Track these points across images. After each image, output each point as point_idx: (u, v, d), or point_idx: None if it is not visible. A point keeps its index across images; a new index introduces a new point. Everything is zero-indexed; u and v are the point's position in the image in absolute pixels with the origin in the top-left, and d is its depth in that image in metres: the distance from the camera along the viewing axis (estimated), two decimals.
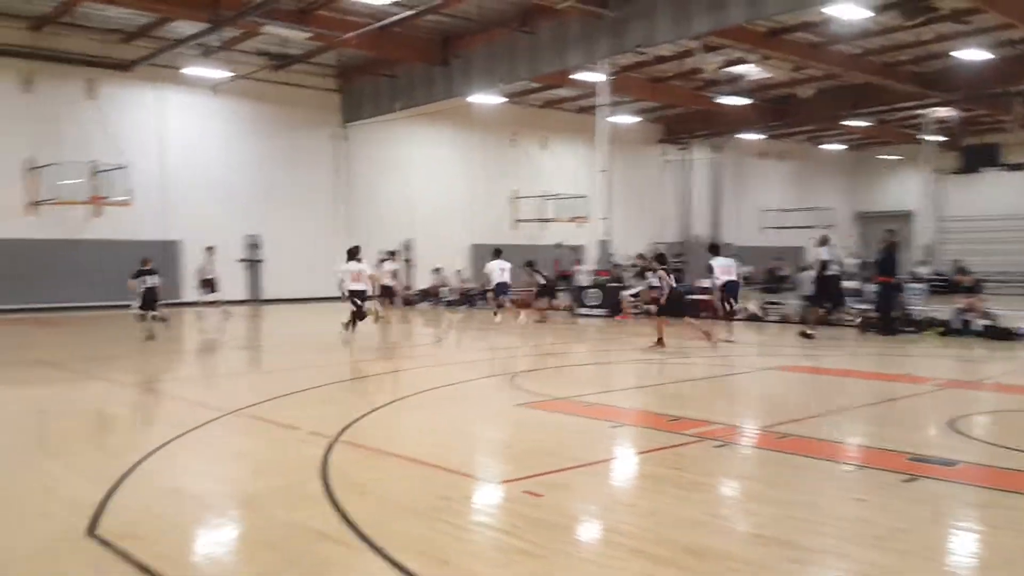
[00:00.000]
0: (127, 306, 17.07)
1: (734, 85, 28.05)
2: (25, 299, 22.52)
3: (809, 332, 15.80)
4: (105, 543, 4.62)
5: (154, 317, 15.78)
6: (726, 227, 37.78)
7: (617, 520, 5.09)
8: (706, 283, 17.52)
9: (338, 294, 15.43)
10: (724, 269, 15.84)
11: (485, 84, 24.24)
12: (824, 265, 16.44)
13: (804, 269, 22.59)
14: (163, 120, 25.75)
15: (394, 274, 21.60)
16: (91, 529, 4.85)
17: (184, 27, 22.30)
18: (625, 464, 6.74)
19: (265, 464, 6.50)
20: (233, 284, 26.01)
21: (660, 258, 15.02)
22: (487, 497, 5.73)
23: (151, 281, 15.82)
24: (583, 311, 21.61)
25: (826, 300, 16.63)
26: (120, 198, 22.97)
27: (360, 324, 15.28)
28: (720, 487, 5.97)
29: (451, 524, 4.96)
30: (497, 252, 20.13)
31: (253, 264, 27.23)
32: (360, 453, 6.74)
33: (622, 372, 12.61)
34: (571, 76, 24.72)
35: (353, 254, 15.59)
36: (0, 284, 22.31)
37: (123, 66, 24.36)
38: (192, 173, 26.02)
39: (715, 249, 16.46)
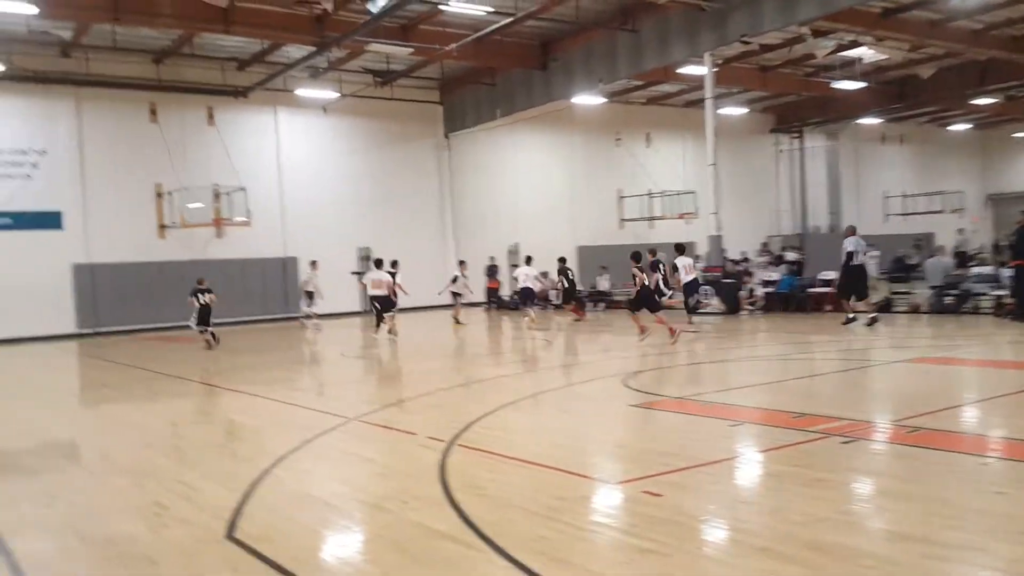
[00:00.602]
0: (257, 321, 18.07)
1: (848, 69, 26.93)
2: (154, 319, 23.83)
3: (851, 317, 16.36)
4: (242, 545, 4.85)
5: (208, 332, 17.48)
6: (847, 215, 36.38)
7: (740, 518, 4.98)
8: (679, 278, 18.27)
9: (445, 302, 15.85)
10: (687, 268, 17.58)
11: (585, 85, 24.19)
12: (850, 256, 16.28)
13: (933, 255, 21.53)
14: (277, 141, 26.86)
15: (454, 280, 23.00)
16: (229, 532, 5.10)
17: (294, 51, 23.21)
18: (747, 462, 6.56)
19: (386, 468, 6.67)
20: (348, 296, 26.92)
21: (635, 256, 15.42)
22: (605, 497, 5.70)
23: (204, 299, 17.55)
24: (697, 309, 21.19)
25: (852, 291, 16.59)
26: (240, 219, 24.07)
27: (458, 325, 15.51)
28: (848, 483, 5.73)
29: (570, 524, 4.95)
30: (528, 259, 21.73)
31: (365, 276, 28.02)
32: (476, 456, 6.82)
33: (740, 370, 12.30)
34: (675, 71, 24.35)
35: (378, 264, 18.53)
36: (133, 305, 23.72)
37: (239, 92, 25.55)
38: (306, 191, 27.00)
39: (680, 249, 18.49)
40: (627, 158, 33.55)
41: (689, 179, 32.92)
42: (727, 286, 21.04)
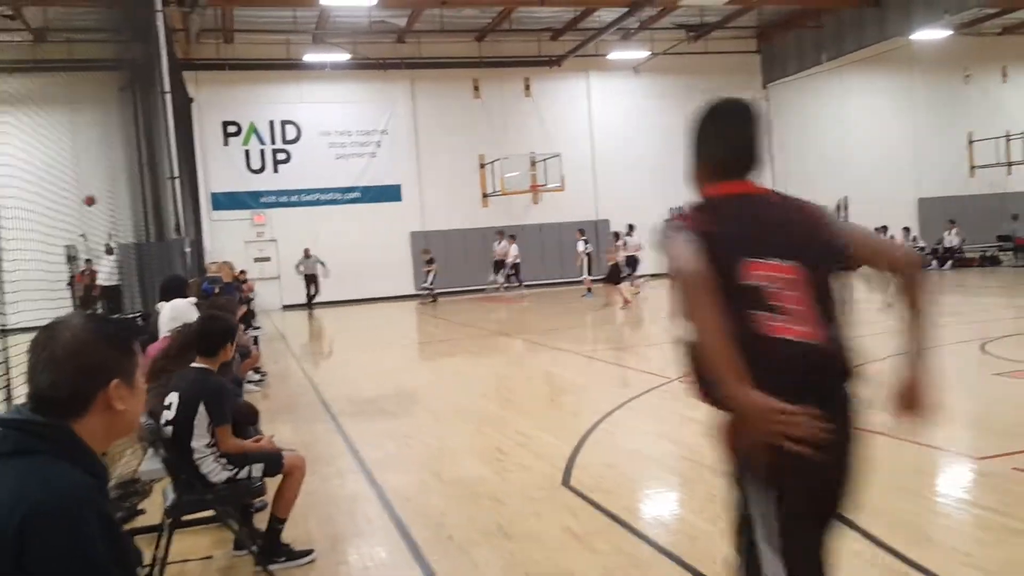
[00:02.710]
0: (574, 282, 18.72)
1: None
2: (479, 281, 25.49)
3: None
4: (578, 493, 4.99)
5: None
6: None
7: None
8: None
9: None
10: (634, 247, 18.87)
11: (927, 19, 21.62)
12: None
13: None
14: (589, 106, 27.32)
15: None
16: (565, 480, 5.27)
17: (605, 15, 23.36)
18: None
19: (712, 431, 6.48)
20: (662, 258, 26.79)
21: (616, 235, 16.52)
22: (967, 473, 5.13)
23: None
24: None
25: None
26: (554, 185, 24.91)
27: None
28: None
29: (927, 499, 4.54)
30: (581, 231, 21.59)
31: None
32: None
33: None
34: None
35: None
36: (460, 268, 25.56)
37: (553, 61, 26.33)
38: (617, 153, 27.23)
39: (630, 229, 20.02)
40: (979, 97, 29.52)
41: None
42: None
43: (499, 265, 23.64)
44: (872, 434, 5.75)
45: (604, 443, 6.27)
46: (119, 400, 1.60)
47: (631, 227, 21.26)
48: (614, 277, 17.54)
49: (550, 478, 5.33)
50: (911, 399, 2.35)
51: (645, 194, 27.05)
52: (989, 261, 22.23)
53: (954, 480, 5.02)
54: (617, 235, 18.73)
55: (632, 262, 20.47)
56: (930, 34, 23.10)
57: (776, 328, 2.11)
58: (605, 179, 27.24)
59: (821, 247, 2.25)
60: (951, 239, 22.94)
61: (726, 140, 2.44)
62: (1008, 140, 28.86)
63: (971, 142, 29.57)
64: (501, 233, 23.59)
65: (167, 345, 5.03)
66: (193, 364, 4.20)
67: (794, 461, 1.97)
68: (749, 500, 2.18)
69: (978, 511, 4.35)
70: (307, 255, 23.66)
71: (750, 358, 2.02)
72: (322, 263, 23.43)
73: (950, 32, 24.07)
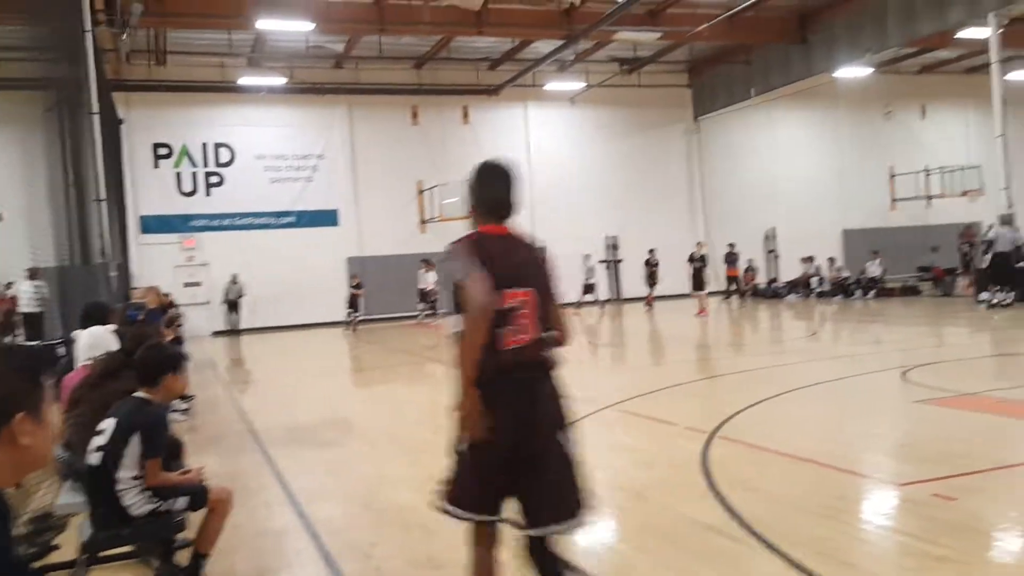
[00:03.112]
0: None
1: None
2: (413, 307, 25.36)
3: None
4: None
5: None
6: None
7: None
8: None
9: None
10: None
11: (850, 56, 22.52)
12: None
13: None
14: (527, 135, 27.60)
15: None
16: None
17: (542, 46, 23.72)
18: None
19: (647, 457, 6.56)
20: (598, 285, 27.27)
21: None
22: (888, 499, 5.25)
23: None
24: (984, 296, 19.04)
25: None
26: None
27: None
28: None
29: (850, 525, 4.62)
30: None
31: (612, 264, 28.08)
32: (740, 448, 6.53)
33: None
34: (953, 35, 22.04)
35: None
36: (396, 294, 25.38)
37: (491, 90, 26.58)
38: (554, 182, 27.48)
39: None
40: (899, 132, 30.77)
41: (973, 153, 29.62)
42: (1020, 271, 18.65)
43: (424, 294, 23.58)
44: (798, 460, 5.92)
45: None
46: (24, 435, 1.54)
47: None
48: None
49: None
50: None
51: (581, 222, 27.44)
52: (910, 291, 23.03)
53: (876, 506, 5.13)
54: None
55: None
56: (853, 71, 24.05)
57: (507, 342, 3.01)
58: (542, 207, 27.44)
59: (546, 279, 3.21)
60: (874, 269, 23.74)
61: (492, 192, 3.25)
62: (927, 174, 30.14)
63: (892, 176, 30.79)
64: (426, 262, 23.51)
65: (87, 374, 4.87)
66: (136, 393, 4.08)
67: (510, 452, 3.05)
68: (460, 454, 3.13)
69: (900, 537, 4.44)
70: (234, 281, 23.33)
71: (486, 363, 2.94)
72: (243, 294, 23.36)
73: (872, 70, 25.10)
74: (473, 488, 3.12)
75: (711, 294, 22.19)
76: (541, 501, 3.10)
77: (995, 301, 17.06)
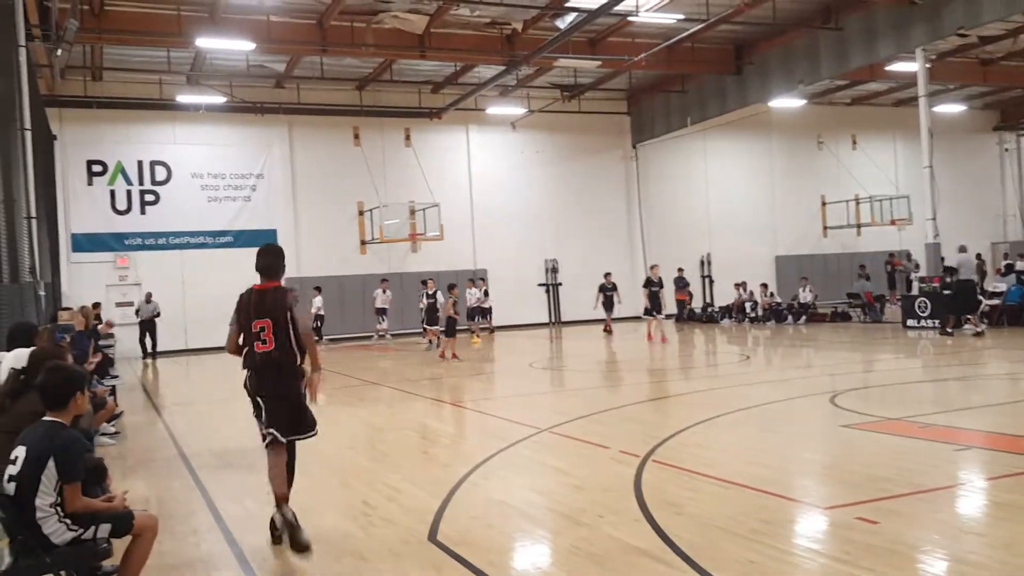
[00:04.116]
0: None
1: None
2: (355, 328, 25.28)
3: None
4: (444, 548, 4.96)
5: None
6: None
7: (966, 551, 4.57)
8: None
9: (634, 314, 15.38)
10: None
11: (784, 88, 23.24)
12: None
13: None
14: (469, 158, 27.74)
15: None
16: (431, 534, 5.24)
17: (484, 71, 23.92)
18: (974, 490, 5.97)
19: (581, 481, 6.61)
20: (535, 308, 27.47)
21: (451, 287, 18.09)
22: (814, 522, 5.37)
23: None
24: (911, 323, 19.69)
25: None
26: (433, 234, 25.03)
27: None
28: None
29: (777, 548, 4.71)
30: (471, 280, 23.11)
31: (552, 288, 28.28)
32: (672, 472, 6.63)
33: (964, 389, 11.28)
34: (883, 69, 22.92)
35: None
36: (337, 316, 25.21)
37: (434, 113, 26.66)
38: (495, 205, 27.68)
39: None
40: (831, 162, 31.80)
41: (901, 183, 30.78)
42: (947, 298, 19.36)
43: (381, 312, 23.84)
44: (728, 484, 6.03)
45: (472, 495, 6.28)
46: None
47: (472, 280, 22.53)
48: (450, 330, 17.64)
49: (416, 532, 5.29)
50: (313, 392, 5.36)
51: (521, 245, 27.66)
52: (840, 317, 23.68)
53: (802, 529, 5.24)
54: (452, 287, 18.53)
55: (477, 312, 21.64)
56: (787, 102, 24.81)
57: (259, 348, 5.21)
58: (483, 230, 27.60)
59: (281, 313, 5.22)
60: (805, 295, 24.34)
61: (258, 262, 5.52)
62: (857, 203, 31.14)
63: (824, 204, 31.74)
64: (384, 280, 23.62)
65: None
66: (46, 417, 3.97)
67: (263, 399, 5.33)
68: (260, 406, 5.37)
69: (824, 560, 4.52)
70: (148, 299, 22.38)
71: (249, 360, 5.25)
72: (158, 313, 22.27)
73: (804, 101, 25.94)
74: (271, 421, 5.33)
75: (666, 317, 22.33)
76: (291, 424, 5.33)
77: (979, 330, 17.15)
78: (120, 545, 4.05)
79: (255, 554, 5.11)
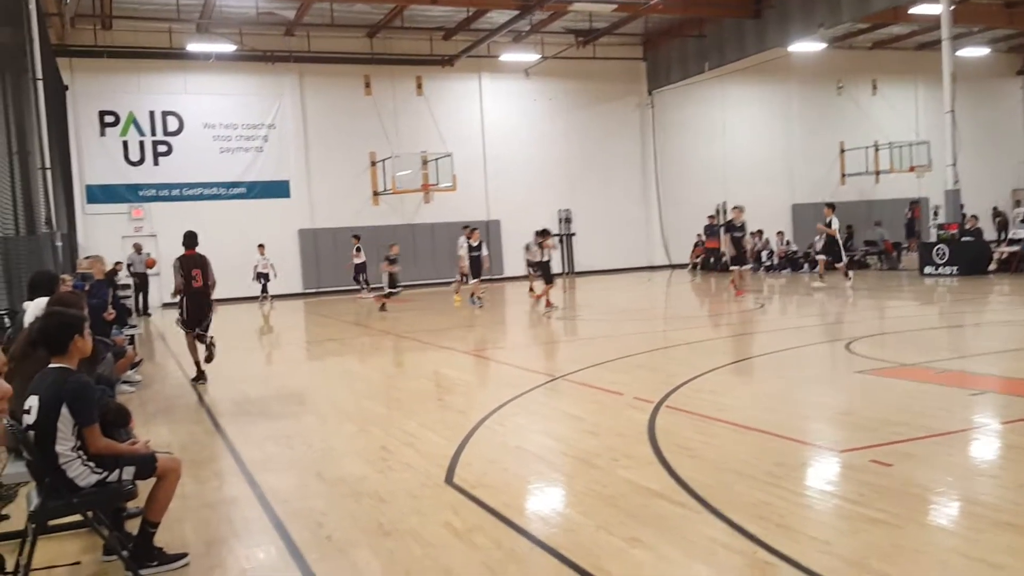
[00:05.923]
0: (452, 282, 18.92)
1: None
2: (368, 280, 25.34)
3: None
4: (460, 490, 5.04)
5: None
6: None
7: (978, 492, 4.61)
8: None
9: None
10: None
11: (804, 31, 22.79)
12: None
13: None
14: (481, 107, 27.46)
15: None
16: (448, 478, 5.32)
17: (497, 16, 23.55)
18: (988, 434, 5.98)
19: (595, 426, 6.67)
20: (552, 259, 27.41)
21: (543, 233, 17.14)
22: (828, 465, 5.41)
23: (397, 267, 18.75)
24: (929, 270, 19.54)
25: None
26: (445, 184, 24.91)
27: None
28: None
29: (789, 490, 4.75)
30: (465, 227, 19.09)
31: (566, 238, 28.20)
32: (686, 418, 6.67)
33: (980, 335, 11.24)
34: (906, 11, 22.40)
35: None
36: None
37: (446, 61, 26.34)
38: (508, 154, 27.48)
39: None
40: (850, 108, 31.30)
41: (922, 129, 30.31)
42: (964, 246, 19.20)
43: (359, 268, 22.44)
44: (742, 429, 6.08)
45: (488, 440, 6.35)
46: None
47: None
48: (548, 276, 16.87)
49: (433, 476, 5.37)
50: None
51: (535, 195, 27.50)
52: (858, 264, 23.52)
53: (816, 472, 5.27)
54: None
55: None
56: (806, 46, 24.32)
57: (194, 285, 9.89)
58: (496, 180, 27.44)
59: (203, 266, 9.95)
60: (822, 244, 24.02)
61: (188, 240, 10.00)
62: (876, 150, 30.70)
63: (842, 151, 31.31)
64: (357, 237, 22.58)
65: (13, 347, 4.78)
66: (51, 364, 4.02)
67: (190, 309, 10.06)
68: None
69: (837, 501, 4.57)
70: (138, 251, 21.34)
71: (187, 293, 9.92)
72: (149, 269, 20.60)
73: (824, 45, 25.42)
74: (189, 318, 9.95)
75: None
76: (199, 322, 9.96)
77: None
78: (144, 488, 4.13)
79: (275, 494, 5.20)
